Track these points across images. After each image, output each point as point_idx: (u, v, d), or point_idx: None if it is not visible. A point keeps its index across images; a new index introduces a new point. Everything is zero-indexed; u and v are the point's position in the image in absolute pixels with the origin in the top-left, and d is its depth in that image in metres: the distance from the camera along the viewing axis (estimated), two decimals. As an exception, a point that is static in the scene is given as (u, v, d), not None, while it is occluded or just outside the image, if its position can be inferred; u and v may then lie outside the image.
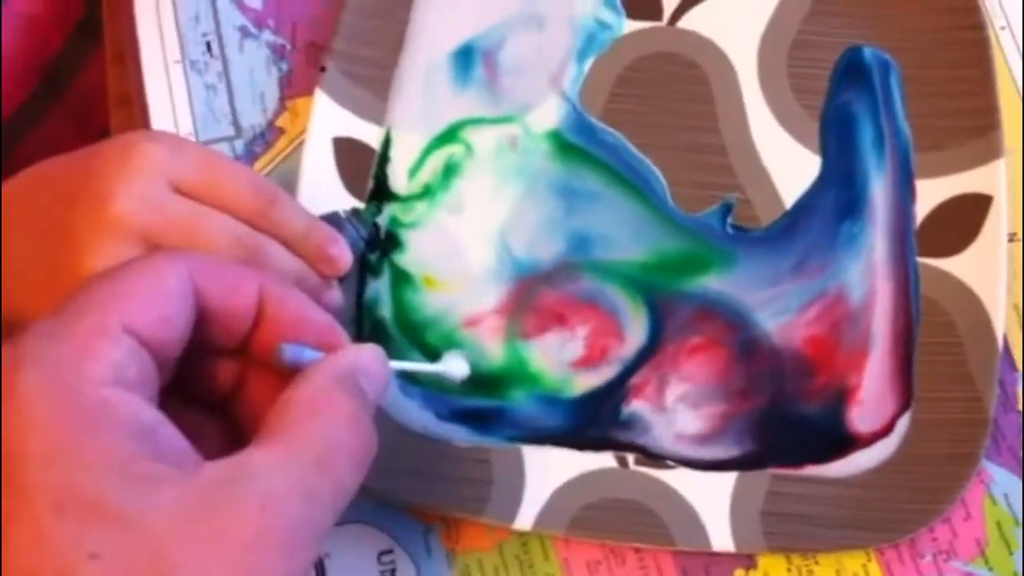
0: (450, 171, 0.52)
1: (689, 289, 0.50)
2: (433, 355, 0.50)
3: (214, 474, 0.33)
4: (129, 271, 0.35)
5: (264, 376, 0.38)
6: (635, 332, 0.50)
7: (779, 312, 0.50)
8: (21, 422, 0.32)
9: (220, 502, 0.32)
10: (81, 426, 0.32)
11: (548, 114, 0.52)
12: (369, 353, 0.37)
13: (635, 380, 0.50)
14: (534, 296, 0.51)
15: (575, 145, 0.52)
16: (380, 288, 0.51)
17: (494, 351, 0.50)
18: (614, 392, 0.50)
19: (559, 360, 0.50)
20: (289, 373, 0.36)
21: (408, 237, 0.51)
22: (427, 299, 0.51)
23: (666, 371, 0.50)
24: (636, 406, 0.50)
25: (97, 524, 0.31)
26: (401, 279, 0.51)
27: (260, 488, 0.32)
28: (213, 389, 0.38)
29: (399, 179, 0.52)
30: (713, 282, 0.50)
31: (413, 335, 0.50)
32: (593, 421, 0.49)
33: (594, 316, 0.50)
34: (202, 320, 0.36)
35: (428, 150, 0.52)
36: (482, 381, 0.50)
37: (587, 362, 0.50)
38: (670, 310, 0.50)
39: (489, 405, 0.50)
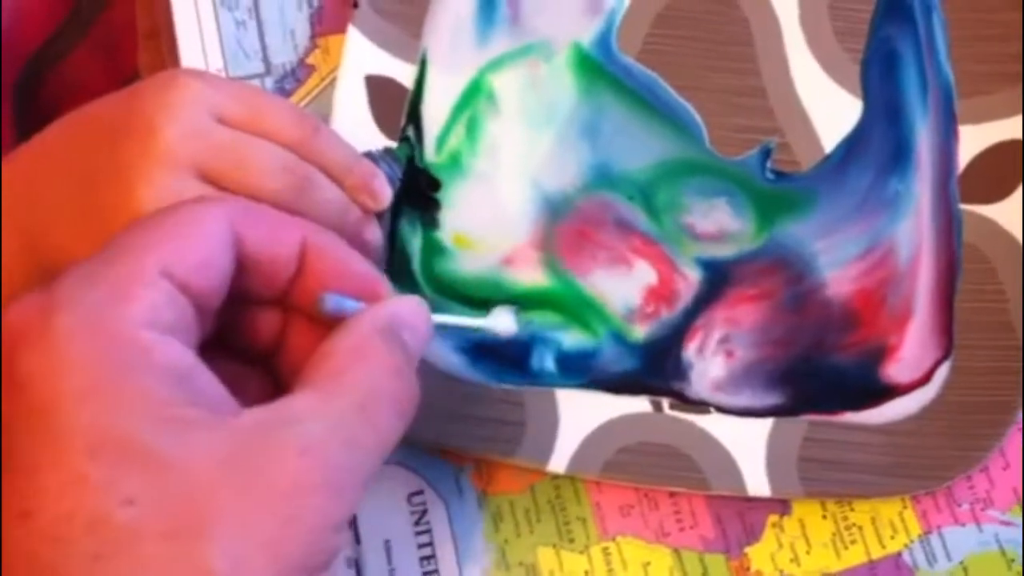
0: (475, 130, 0.51)
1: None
2: (472, 303, 0.49)
3: (252, 420, 0.32)
4: (167, 216, 0.34)
5: (305, 328, 0.37)
6: (695, 273, 0.50)
7: (837, 261, 0.49)
8: (55, 364, 0.31)
9: (258, 448, 0.31)
10: (116, 367, 0.31)
11: (579, 38, 0.51)
12: (411, 305, 0.37)
13: (695, 324, 0.49)
14: (583, 233, 0.50)
15: (602, 71, 0.51)
16: (411, 246, 0.50)
17: (536, 279, 0.50)
18: (677, 337, 0.49)
19: (620, 301, 0.49)
20: (330, 324, 0.35)
21: (439, 203, 0.50)
22: (460, 257, 0.50)
23: (719, 315, 0.49)
24: (687, 353, 0.49)
25: (132, 468, 0.30)
26: (431, 245, 0.50)
27: (299, 434, 0.32)
28: (255, 341, 0.38)
29: (432, 125, 0.51)
30: (779, 224, 0.50)
31: (447, 290, 0.50)
32: (659, 368, 0.49)
33: (652, 254, 0.50)
34: (243, 269, 0.35)
35: (455, 114, 0.51)
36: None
37: (655, 300, 0.49)
38: None
39: (573, 350, 0.49)
